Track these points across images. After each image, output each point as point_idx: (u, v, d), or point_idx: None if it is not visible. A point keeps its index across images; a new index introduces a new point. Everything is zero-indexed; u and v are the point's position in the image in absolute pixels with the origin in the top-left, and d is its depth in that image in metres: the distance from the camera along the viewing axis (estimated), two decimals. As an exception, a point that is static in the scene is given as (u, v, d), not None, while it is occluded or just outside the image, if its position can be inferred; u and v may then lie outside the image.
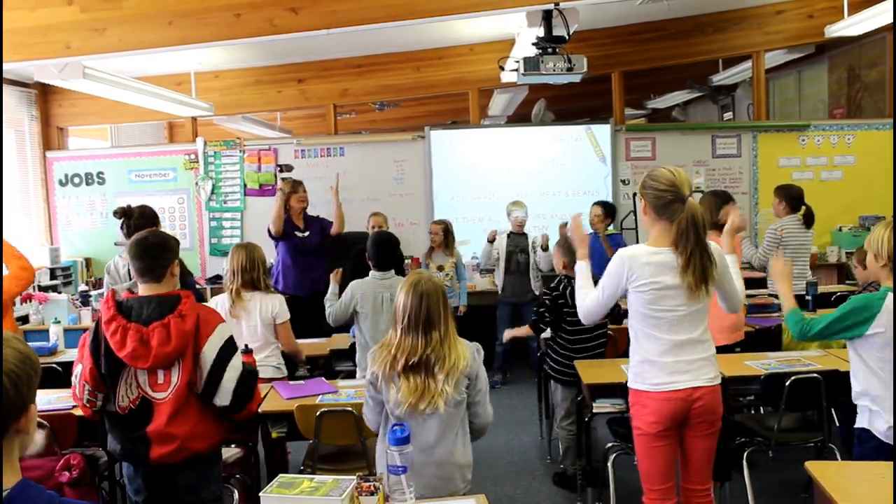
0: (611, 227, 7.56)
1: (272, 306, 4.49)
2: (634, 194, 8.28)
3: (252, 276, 4.49)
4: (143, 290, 3.18)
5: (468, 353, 2.92)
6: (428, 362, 2.85)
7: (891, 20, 6.06)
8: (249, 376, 3.21)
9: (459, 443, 2.95)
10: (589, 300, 3.39)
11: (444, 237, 7.34)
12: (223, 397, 3.10)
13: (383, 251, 4.75)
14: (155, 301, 3.10)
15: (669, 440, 3.26)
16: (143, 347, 3.00)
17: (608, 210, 7.45)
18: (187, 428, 3.08)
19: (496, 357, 7.41)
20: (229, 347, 3.14)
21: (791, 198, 6.19)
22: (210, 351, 3.07)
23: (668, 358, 3.20)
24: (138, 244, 3.19)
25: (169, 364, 3.05)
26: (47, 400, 4.03)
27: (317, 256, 6.72)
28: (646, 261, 3.19)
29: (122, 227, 4.91)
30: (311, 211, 7.03)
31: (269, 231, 6.73)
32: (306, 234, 6.76)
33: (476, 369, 2.95)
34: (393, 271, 4.76)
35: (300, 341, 4.83)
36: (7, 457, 1.55)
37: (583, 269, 3.49)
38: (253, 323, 4.47)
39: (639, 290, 3.20)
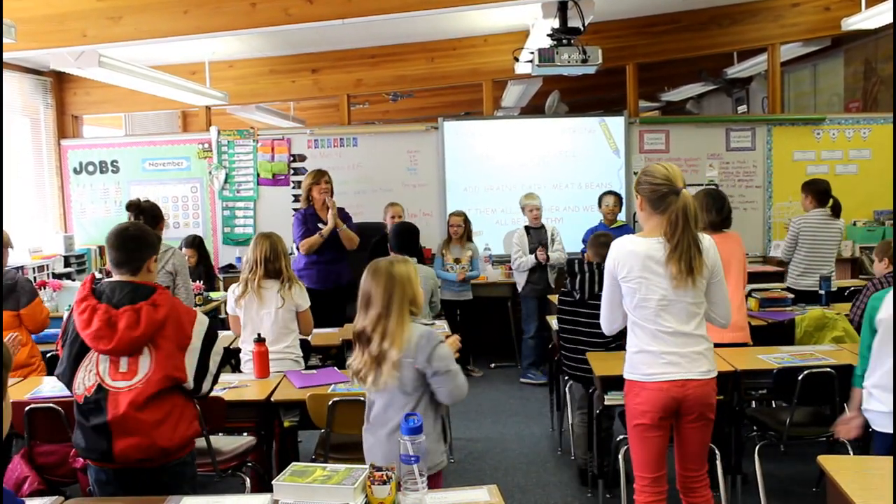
0: (621, 218, 7.52)
1: (294, 295, 4.52)
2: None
3: (275, 266, 4.50)
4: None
5: (412, 339, 2.92)
6: (369, 338, 2.94)
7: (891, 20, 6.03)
8: (225, 359, 3.24)
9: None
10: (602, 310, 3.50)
11: (464, 229, 7.36)
12: (208, 383, 3.11)
13: (405, 240, 4.98)
14: (129, 286, 3.01)
15: (661, 430, 3.31)
16: (108, 328, 2.88)
17: (620, 200, 7.43)
18: (153, 420, 2.90)
19: (527, 351, 7.36)
20: (212, 334, 3.11)
21: (817, 192, 6.16)
22: (197, 341, 3.03)
23: (660, 348, 3.25)
24: (117, 235, 3.11)
25: (133, 350, 2.92)
26: (60, 387, 4.05)
27: (339, 249, 6.41)
28: (630, 249, 3.27)
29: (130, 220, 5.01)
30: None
31: (296, 246, 6.42)
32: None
33: (424, 353, 2.92)
34: (414, 259, 4.84)
35: (315, 331, 4.87)
36: None
37: None
38: (273, 312, 4.48)
39: (626, 280, 3.27)
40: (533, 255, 7.15)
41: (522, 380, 7.33)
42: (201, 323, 3.08)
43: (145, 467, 2.93)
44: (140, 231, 3.20)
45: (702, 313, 3.32)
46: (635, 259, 3.24)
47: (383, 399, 2.98)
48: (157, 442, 2.91)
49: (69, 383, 3.00)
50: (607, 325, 3.48)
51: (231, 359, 4.81)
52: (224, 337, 5.19)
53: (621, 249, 3.30)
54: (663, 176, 3.24)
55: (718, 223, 4.62)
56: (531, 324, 7.29)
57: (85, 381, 2.94)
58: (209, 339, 3.09)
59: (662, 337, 3.24)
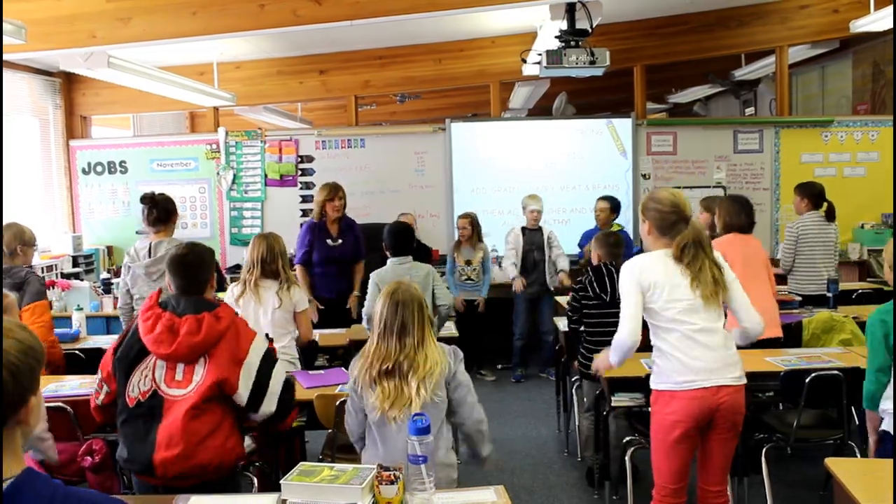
0: (617, 223, 7.47)
1: (292, 295, 4.52)
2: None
3: (272, 267, 4.51)
4: None
5: (444, 359, 3.01)
6: (401, 368, 2.94)
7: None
8: (291, 386, 3.20)
9: (441, 445, 3.00)
10: (621, 327, 3.32)
11: (472, 230, 7.34)
12: (270, 403, 3.05)
13: (399, 238, 5.08)
14: (193, 299, 3.09)
15: (691, 441, 3.28)
16: (169, 333, 2.94)
17: (614, 205, 7.38)
18: (199, 432, 2.92)
19: (515, 352, 7.42)
20: (271, 356, 3.13)
21: (812, 195, 6.12)
22: (254, 358, 3.04)
23: (691, 352, 3.22)
24: (177, 263, 3.19)
25: (192, 358, 2.97)
26: (70, 386, 4.07)
27: (348, 264, 6.26)
28: (653, 259, 3.31)
29: (143, 213, 5.02)
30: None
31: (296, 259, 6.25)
32: (339, 242, 6.23)
33: (454, 371, 3.04)
34: (410, 257, 4.96)
35: (321, 331, 4.87)
36: (8, 447, 1.51)
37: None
38: (270, 313, 4.49)
39: (654, 285, 3.26)
40: (509, 268, 7.24)
41: (512, 379, 7.42)
42: (260, 344, 3.11)
43: (184, 486, 2.89)
44: (197, 257, 3.26)
45: (723, 313, 3.35)
46: (660, 264, 3.28)
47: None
48: (200, 457, 2.91)
49: (122, 389, 3.02)
50: (632, 338, 3.26)
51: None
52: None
53: (645, 260, 3.33)
54: (671, 203, 3.31)
55: (747, 226, 4.87)
56: (518, 324, 7.35)
57: (140, 384, 2.98)
58: (269, 359, 3.11)
59: (693, 336, 3.22)
